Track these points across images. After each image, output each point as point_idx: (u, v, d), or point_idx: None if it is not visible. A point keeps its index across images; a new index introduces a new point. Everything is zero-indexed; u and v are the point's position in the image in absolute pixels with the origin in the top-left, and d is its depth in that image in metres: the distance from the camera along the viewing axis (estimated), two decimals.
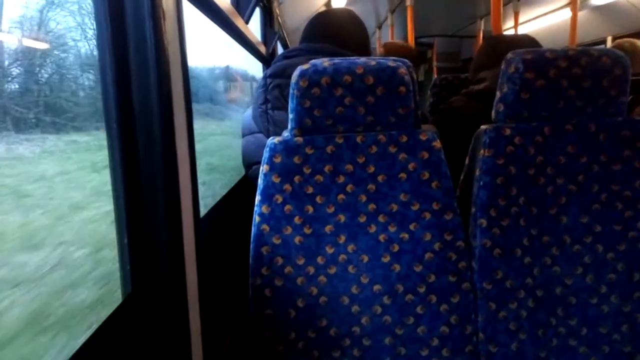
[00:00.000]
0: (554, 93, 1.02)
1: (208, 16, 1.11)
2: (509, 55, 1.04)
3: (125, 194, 0.64)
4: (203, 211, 1.09)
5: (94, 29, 0.65)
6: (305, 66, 0.97)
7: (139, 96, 0.64)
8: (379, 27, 5.13)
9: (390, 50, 2.30)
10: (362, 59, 0.99)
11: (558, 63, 1.01)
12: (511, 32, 4.35)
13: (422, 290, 1.01)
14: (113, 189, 0.65)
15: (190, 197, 0.73)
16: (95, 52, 0.64)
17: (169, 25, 0.66)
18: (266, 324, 1.00)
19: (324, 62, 0.97)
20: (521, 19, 4.20)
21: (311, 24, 1.41)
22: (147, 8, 0.62)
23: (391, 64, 0.98)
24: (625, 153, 1.04)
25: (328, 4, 3.42)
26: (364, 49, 1.41)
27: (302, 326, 1.00)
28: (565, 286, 1.05)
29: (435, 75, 5.74)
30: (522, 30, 4.50)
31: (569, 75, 1.01)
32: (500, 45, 1.48)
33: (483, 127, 1.05)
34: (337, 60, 0.98)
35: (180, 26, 0.71)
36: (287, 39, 3.47)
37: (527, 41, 1.45)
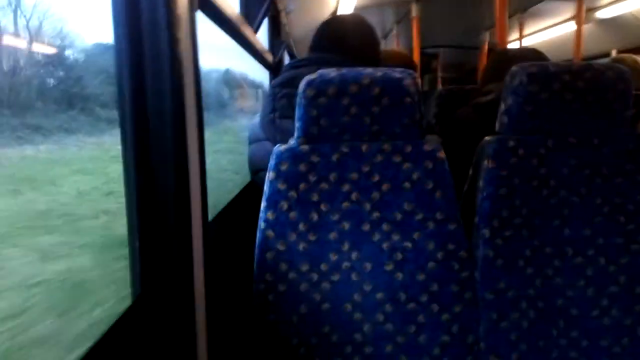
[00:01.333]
0: (558, 106, 1.04)
1: (219, 25, 1.14)
2: (514, 68, 1.06)
3: (138, 198, 0.66)
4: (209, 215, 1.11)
5: None
6: (312, 76, 0.99)
7: (154, 104, 0.66)
8: (385, 37, 5.17)
9: (385, 58, 2.29)
10: (369, 70, 1.01)
11: (562, 77, 1.02)
12: (516, 44, 4.38)
13: (424, 299, 1.02)
14: (126, 192, 0.66)
15: (199, 201, 0.75)
16: None
17: (184, 36, 0.68)
18: (269, 329, 1.01)
19: (331, 72, 0.99)
20: (526, 31, 4.24)
21: (319, 33, 1.43)
22: (163, 19, 0.64)
23: (397, 75, 1.00)
24: (628, 167, 1.06)
25: (334, 15, 3.46)
26: (372, 56, 1.41)
27: (304, 332, 1.02)
28: (566, 298, 1.06)
29: (439, 85, 5.77)
30: (527, 42, 4.53)
31: (572, 89, 1.03)
32: (507, 58, 1.50)
33: (487, 138, 1.07)
34: (344, 70, 1.00)
35: (193, 36, 0.73)
36: (293, 48, 3.51)
37: (534, 55, 1.47)
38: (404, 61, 2.08)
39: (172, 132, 0.67)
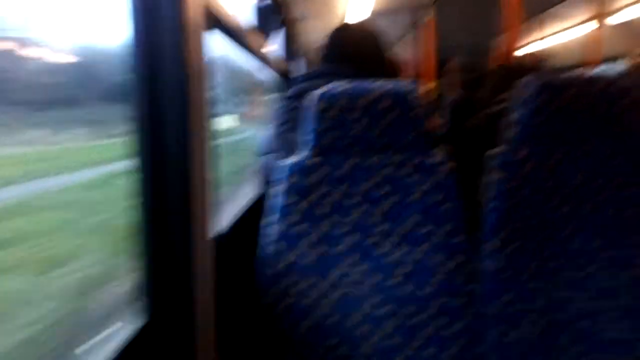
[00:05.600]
0: (567, 117, 1.03)
1: (232, 40, 1.16)
2: (524, 79, 1.06)
3: (147, 221, 0.68)
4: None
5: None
6: (323, 89, 1.01)
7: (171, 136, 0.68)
8: (399, 40, 5.17)
9: None
10: (378, 83, 1.02)
11: (572, 88, 1.02)
12: (534, 45, 4.34)
13: (432, 312, 1.02)
14: (136, 218, 0.69)
15: (204, 219, 0.77)
16: None
17: (194, 55, 0.70)
18: (278, 340, 1.02)
19: (341, 85, 1.01)
20: (544, 33, 4.19)
21: (329, 43, 1.43)
22: (178, 37, 0.67)
23: (406, 87, 1.01)
24: None
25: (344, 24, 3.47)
26: (381, 66, 1.42)
27: (312, 345, 1.02)
28: (573, 311, 1.05)
29: (457, 87, 5.76)
30: (545, 44, 4.48)
31: (582, 100, 1.02)
32: (516, 69, 1.51)
33: (495, 149, 1.07)
34: (354, 83, 1.02)
35: (204, 54, 0.75)
36: (306, 54, 3.53)
37: (542, 67, 1.48)
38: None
39: (176, 142, 0.69)
